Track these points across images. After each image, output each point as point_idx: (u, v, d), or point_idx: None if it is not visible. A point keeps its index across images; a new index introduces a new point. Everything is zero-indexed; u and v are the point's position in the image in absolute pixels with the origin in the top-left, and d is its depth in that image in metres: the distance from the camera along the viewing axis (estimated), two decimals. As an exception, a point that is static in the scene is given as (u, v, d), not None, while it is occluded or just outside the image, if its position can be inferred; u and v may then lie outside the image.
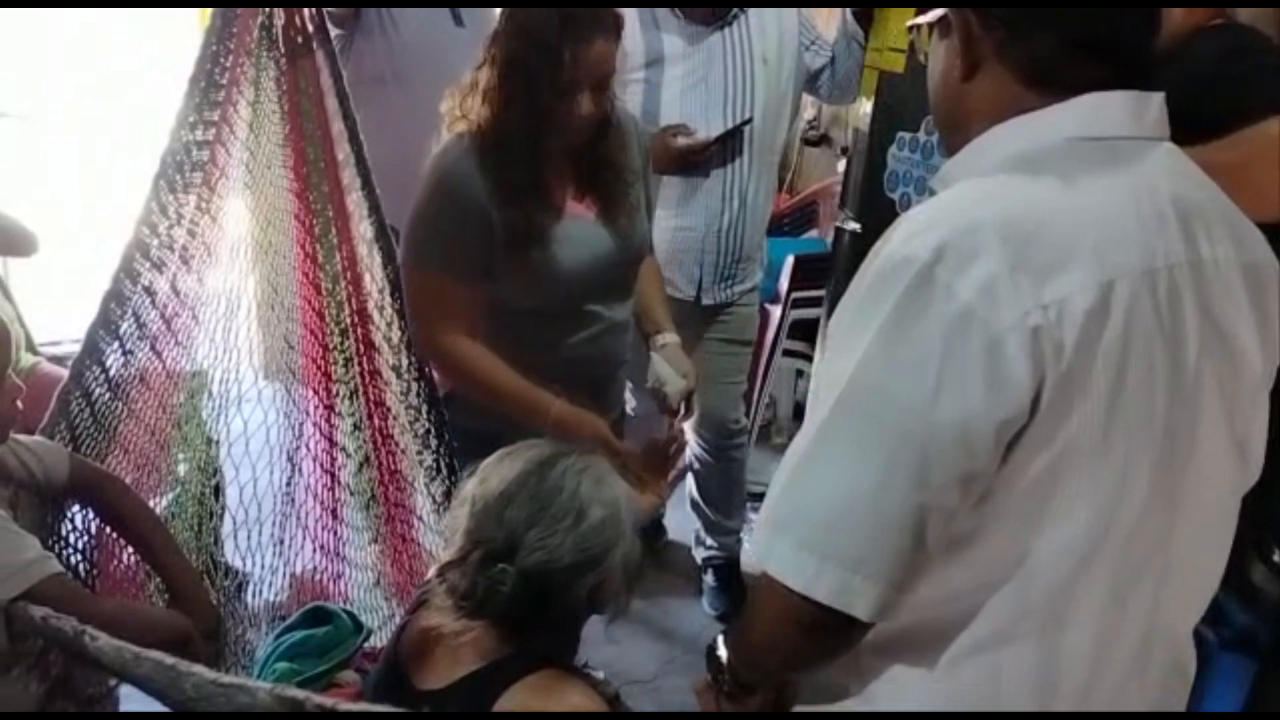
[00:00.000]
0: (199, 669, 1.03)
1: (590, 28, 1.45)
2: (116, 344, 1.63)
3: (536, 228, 1.54)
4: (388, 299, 1.80)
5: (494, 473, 1.11)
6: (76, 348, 1.58)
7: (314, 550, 1.88)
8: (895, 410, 0.78)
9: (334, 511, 1.91)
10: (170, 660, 1.06)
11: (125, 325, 1.64)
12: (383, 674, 1.18)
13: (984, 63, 0.86)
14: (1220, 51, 1.49)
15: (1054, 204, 0.80)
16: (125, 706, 1.46)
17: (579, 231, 1.59)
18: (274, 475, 1.90)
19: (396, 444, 1.76)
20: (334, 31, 2.32)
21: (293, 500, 1.92)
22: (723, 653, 1.02)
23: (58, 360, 2.26)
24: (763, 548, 0.85)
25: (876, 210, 2.25)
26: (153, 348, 1.71)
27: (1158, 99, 0.86)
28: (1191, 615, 0.96)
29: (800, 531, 0.82)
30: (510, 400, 1.55)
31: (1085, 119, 0.83)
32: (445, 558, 1.12)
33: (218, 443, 1.85)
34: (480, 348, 1.59)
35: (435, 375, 1.78)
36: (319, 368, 1.89)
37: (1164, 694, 0.95)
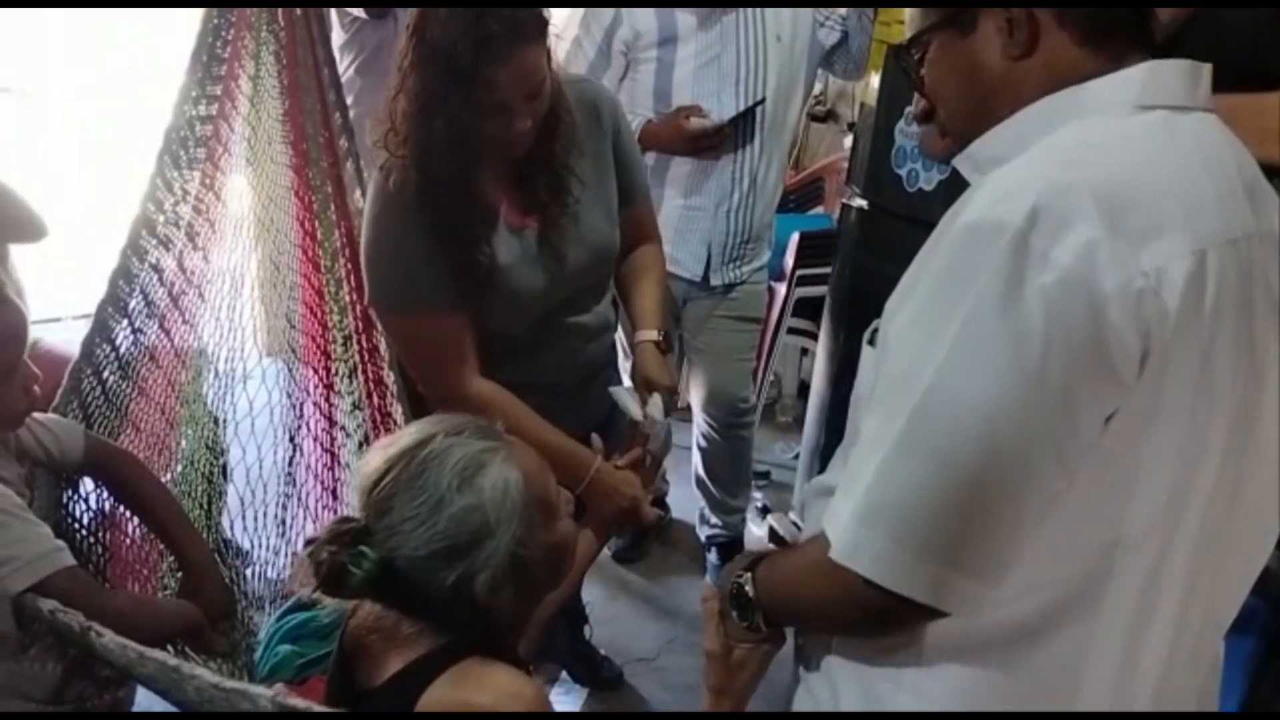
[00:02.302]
0: (201, 672, 1.02)
1: (509, 43, 1.29)
2: (125, 321, 1.63)
3: (485, 257, 1.44)
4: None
5: (382, 449, 1.05)
6: (77, 324, 1.57)
7: (315, 530, 1.87)
8: (998, 390, 0.74)
9: (334, 492, 1.90)
10: (174, 662, 1.05)
11: (134, 303, 1.64)
12: (334, 669, 1.13)
13: (1042, 32, 0.83)
14: (1256, 16, 1.46)
15: (1139, 170, 0.78)
16: (142, 689, 1.46)
17: (530, 248, 1.49)
18: (278, 455, 1.89)
19: (395, 423, 1.75)
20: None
21: (294, 480, 1.92)
22: (751, 592, 0.98)
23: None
24: (849, 543, 0.80)
25: (884, 186, 2.23)
26: (161, 325, 1.70)
27: (1207, 70, 0.84)
28: (1236, 605, 0.93)
29: (894, 525, 0.78)
30: (550, 455, 1.32)
31: (1145, 86, 0.81)
32: (312, 533, 1.08)
33: (224, 422, 1.85)
34: (506, 394, 1.49)
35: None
36: (319, 346, 1.88)
37: (1204, 693, 0.93)
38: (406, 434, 1.06)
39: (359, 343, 1.82)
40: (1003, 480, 0.75)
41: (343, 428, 1.88)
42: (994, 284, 0.74)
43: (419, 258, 1.42)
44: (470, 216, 1.42)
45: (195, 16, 1.67)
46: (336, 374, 1.87)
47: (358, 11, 2.53)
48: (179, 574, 1.54)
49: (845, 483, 0.83)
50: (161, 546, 1.59)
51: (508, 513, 1.01)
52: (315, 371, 1.91)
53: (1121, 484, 0.79)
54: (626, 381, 1.66)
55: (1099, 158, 0.79)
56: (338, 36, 2.73)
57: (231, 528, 1.82)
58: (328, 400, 1.91)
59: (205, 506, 1.73)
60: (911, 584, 0.78)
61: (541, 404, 1.52)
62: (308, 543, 1.02)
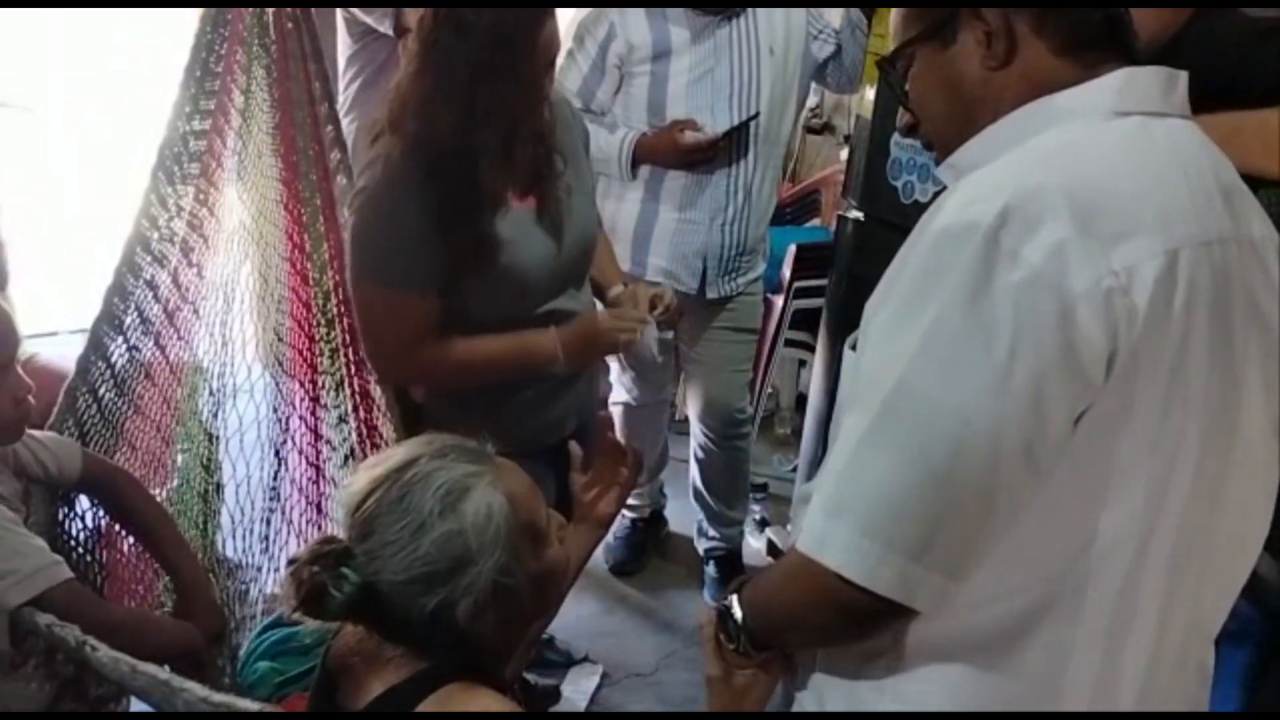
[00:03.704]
0: (191, 685, 1.04)
1: (542, 11, 1.41)
2: (121, 338, 1.64)
3: (494, 236, 1.46)
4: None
5: (368, 469, 1.04)
6: (73, 339, 1.58)
7: (299, 545, 1.85)
8: (965, 386, 0.75)
9: (319, 506, 1.89)
10: (164, 675, 1.07)
11: (129, 319, 1.64)
12: (317, 690, 1.11)
13: (1020, 42, 0.84)
14: (1240, 32, 1.47)
15: (1113, 173, 0.79)
16: (136, 708, 1.45)
17: (530, 230, 1.52)
18: (264, 470, 1.89)
19: (381, 436, 1.74)
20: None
21: (279, 495, 1.90)
22: (738, 613, 0.96)
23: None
24: (816, 535, 0.80)
25: (880, 198, 2.24)
26: (156, 342, 1.70)
27: (1183, 77, 0.85)
28: (1223, 611, 0.93)
29: (862, 517, 0.78)
30: (510, 360, 1.50)
31: (1121, 92, 0.82)
32: (296, 549, 1.08)
33: (218, 439, 1.84)
34: (444, 341, 1.50)
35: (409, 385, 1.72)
36: (305, 359, 1.87)
37: (1193, 700, 0.92)
38: (393, 455, 1.05)
39: (346, 355, 1.81)
40: (970, 476, 0.76)
41: (328, 441, 1.87)
42: (963, 282, 0.75)
43: (419, 234, 1.43)
44: (487, 192, 1.45)
45: (196, 16, 1.68)
46: (323, 387, 1.86)
47: (373, 21, 2.50)
48: (174, 594, 1.54)
49: (819, 481, 0.84)
50: (157, 565, 1.59)
51: (490, 539, 0.99)
52: (301, 384, 1.89)
53: (1095, 485, 0.79)
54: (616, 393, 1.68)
55: (1073, 161, 0.80)
56: (344, 46, 2.70)
57: (224, 546, 1.81)
58: (313, 414, 1.89)
59: (200, 525, 1.73)
60: (877, 576, 0.78)
61: (531, 396, 1.55)
62: (290, 561, 1.01)
